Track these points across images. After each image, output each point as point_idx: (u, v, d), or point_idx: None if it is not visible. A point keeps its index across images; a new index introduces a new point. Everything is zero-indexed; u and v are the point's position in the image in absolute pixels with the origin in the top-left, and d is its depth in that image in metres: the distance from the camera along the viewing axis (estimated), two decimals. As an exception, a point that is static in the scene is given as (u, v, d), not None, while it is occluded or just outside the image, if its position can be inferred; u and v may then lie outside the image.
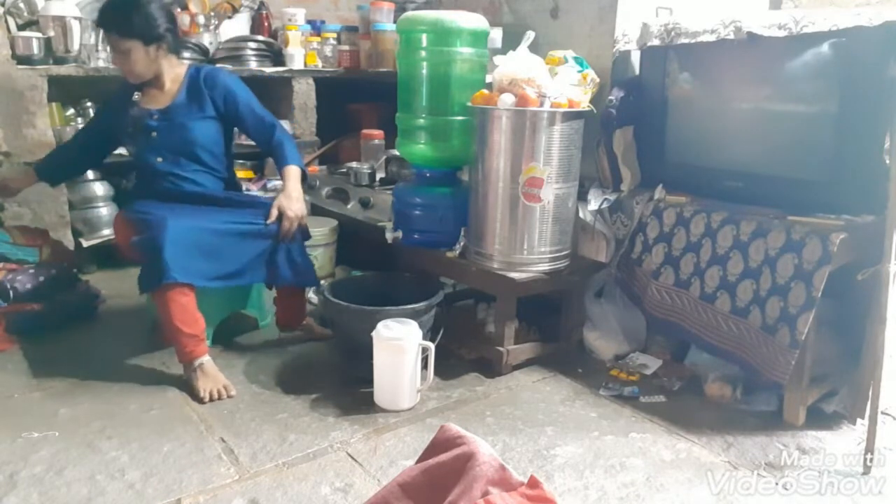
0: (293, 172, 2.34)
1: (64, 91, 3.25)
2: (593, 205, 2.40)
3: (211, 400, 2.07)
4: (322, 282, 2.71)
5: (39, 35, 3.02)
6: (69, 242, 3.13)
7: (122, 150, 3.21)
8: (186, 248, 2.11)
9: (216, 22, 3.67)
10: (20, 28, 3.11)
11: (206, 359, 2.15)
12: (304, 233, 2.37)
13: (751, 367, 1.96)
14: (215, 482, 1.68)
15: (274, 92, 3.77)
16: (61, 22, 3.04)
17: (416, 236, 2.51)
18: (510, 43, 2.38)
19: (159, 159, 2.37)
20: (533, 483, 1.13)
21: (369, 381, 2.07)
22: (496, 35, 2.58)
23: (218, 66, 3.19)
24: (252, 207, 2.34)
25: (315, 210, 3.20)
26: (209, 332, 2.29)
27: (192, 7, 3.64)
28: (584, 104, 2.24)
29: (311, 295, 2.81)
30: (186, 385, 2.14)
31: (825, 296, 1.81)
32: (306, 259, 2.38)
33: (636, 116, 2.36)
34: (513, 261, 2.27)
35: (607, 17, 2.42)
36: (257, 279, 2.35)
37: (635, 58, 2.46)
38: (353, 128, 3.67)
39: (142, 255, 2.14)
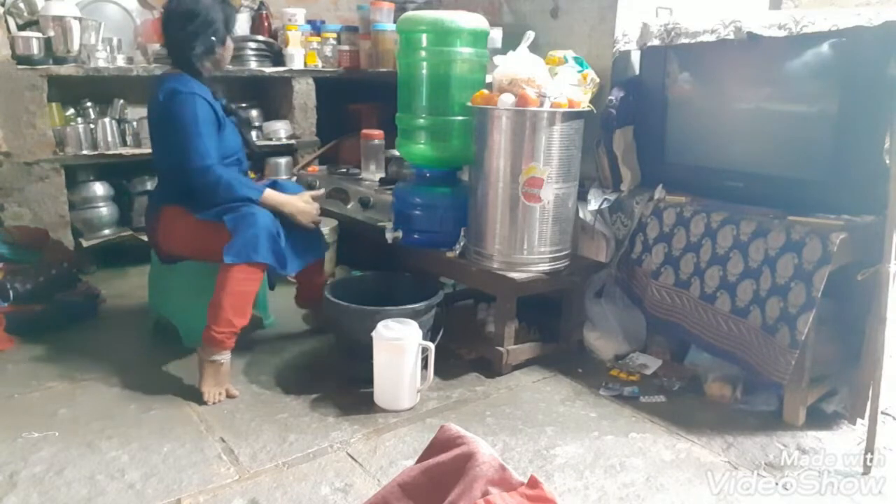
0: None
1: (64, 91, 3.25)
2: (593, 205, 2.40)
3: (211, 404, 2.06)
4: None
5: (39, 35, 3.02)
6: (69, 242, 3.13)
7: (122, 151, 3.25)
8: (273, 237, 2.15)
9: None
10: (20, 28, 3.11)
11: (227, 357, 2.13)
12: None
13: (751, 367, 1.96)
14: (215, 482, 1.68)
15: (274, 92, 3.77)
16: (61, 22, 3.04)
17: (416, 236, 2.51)
18: (510, 43, 2.38)
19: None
20: (533, 483, 1.13)
21: (369, 381, 2.07)
22: (496, 35, 2.59)
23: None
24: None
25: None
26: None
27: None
28: (584, 104, 2.24)
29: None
30: (197, 369, 2.12)
31: (825, 296, 1.81)
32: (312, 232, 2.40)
33: (636, 116, 2.37)
34: (513, 261, 2.27)
35: (607, 17, 2.43)
36: (298, 266, 2.36)
37: (635, 58, 2.46)
38: (353, 128, 3.66)
39: (239, 229, 2.11)
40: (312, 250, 2.42)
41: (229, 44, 2.33)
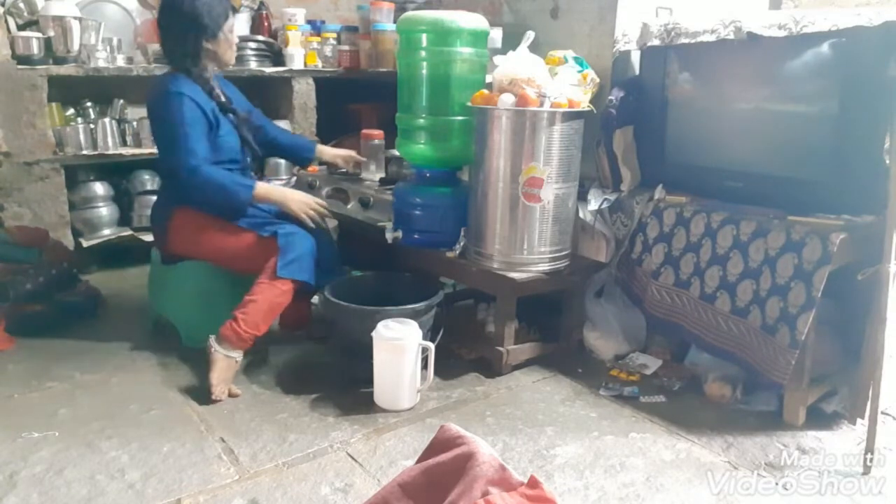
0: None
1: (64, 91, 3.25)
2: (593, 205, 2.40)
3: (216, 398, 2.06)
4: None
5: (39, 35, 3.03)
6: (69, 242, 3.13)
7: (122, 151, 3.25)
8: (315, 259, 2.27)
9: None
10: (20, 28, 3.11)
11: (241, 357, 2.16)
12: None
13: (751, 367, 1.96)
14: (215, 482, 1.68)
15: (274, 92, 3.77)
16: (61, 22, 3.04)
17: (416, 236, 2.51)
18: (510, 43, 2.38)
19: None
20: (533, 483, 1.13)
21: (369, 381, 2.07)
22: (496, 35, 2.58)
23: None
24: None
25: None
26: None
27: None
28: (584, 104, 2.24)
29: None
30: (206, 363, 2.11)
31: (825, 296, 1.81)
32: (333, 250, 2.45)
33: (636, 116, 2.37)
34: (513, 261, 2.27)
35: (607, 17, 2.43)
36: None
37: (635, 58, 2.46)
38: (353, 128, 3.66)
39: (289, 247, 2.20)
40: (333, 270, 2.42)
41: (223, 38, 2.31)
